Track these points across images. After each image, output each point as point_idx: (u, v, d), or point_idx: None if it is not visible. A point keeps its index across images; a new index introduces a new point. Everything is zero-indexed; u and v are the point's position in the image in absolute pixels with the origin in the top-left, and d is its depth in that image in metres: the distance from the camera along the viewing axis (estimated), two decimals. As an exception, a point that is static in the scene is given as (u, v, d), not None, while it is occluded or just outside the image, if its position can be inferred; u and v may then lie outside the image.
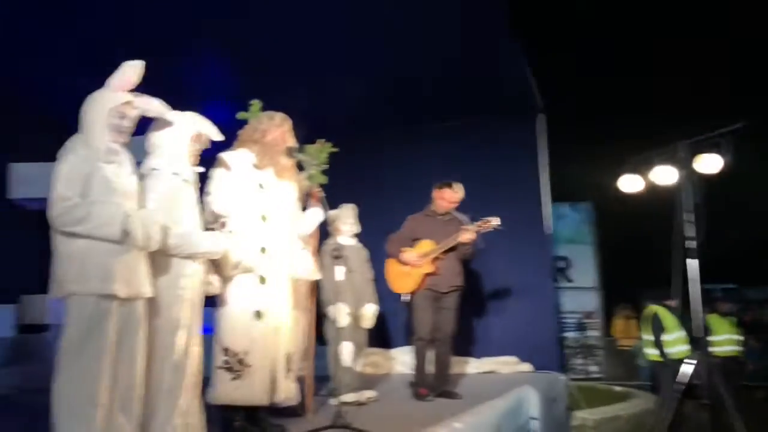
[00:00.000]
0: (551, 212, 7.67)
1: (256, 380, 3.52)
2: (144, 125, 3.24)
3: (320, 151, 4.49)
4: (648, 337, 7.25)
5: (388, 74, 6.57)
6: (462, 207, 5.41)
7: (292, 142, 3.91)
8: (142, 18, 5.40)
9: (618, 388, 9.45)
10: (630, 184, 8.54)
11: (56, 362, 2.66)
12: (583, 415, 6.96)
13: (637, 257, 11.88)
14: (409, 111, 7.50)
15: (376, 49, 6.11)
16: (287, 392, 3.81)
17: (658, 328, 7.07)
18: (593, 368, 11.92)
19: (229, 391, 3.49)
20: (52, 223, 2.69)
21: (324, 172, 4.26)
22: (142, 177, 3.11)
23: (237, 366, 3.49)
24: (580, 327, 12.49)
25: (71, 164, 2.73)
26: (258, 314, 3.56)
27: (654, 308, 7.21)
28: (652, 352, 7.19)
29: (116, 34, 5.50)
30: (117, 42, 5.29)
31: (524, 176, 7.50)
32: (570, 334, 12.34)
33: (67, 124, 2.92)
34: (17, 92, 6.34)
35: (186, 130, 3.28)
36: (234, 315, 3.55)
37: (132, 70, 2.89)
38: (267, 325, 3.59)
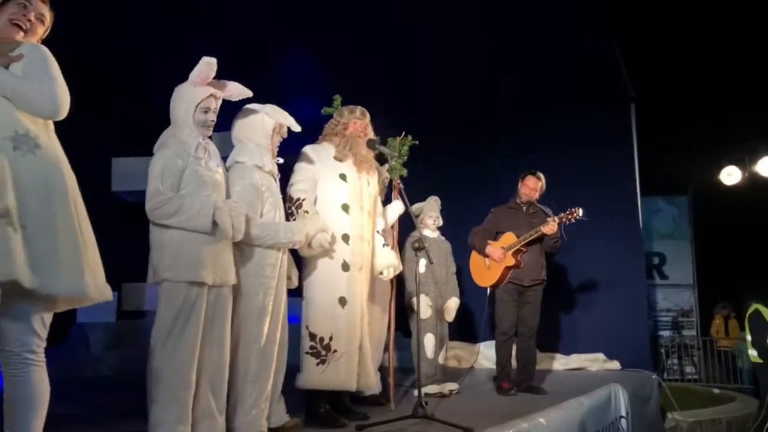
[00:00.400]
0: (641, 205, 7.37)
1: (341, 365, 3.60)
2: (228, 120, 3.36)
3: (402, 144, 4.51)
4: (750, 337, 6.85)
5: (478, 66, 6.51)
6: (552, 200, 5.29)
7: (372, 134, 3.96)
8: (237, 18, 5.60)
9: (716, 391, 9.01)
10: (731, 176, 8.09)
11: (151, 344, 2.81)
12: (677, 417, 6.68)
13: (737, 253, 11.19)
14: (498, 103, 7.39)
15: (463, 40, 6.07)
16: (371, 381, 3.89)
17: (762, 328, 6.66)
18: (689, 369, 11.40)
19: (316, 375, 3.57)
20: (148, 215, 2.85)
21: (405, 165, 4.26)
22: (227, 170, 3.23)
23: (323, 351, 3.58)
24: (676, 326, 11.97)
25: (164, 159, 2.88)
26: (342, 301, 3.64)
27: (756, 307, 6.79)
28: (754, 353, 6.80)
29: (211, 33, 5.73)
30: (212, 40, 5.53)
31: (615, 168, 7.25)
32: (665, 333, 11.86)
33: (165, 119, 3.07)
34: (119, 91, 6.69)
35: (267, 122, 3.37)
36: (319, 301, 3.64)
37: (208, 66, 2.98)
38: (351, 312, 3.66)
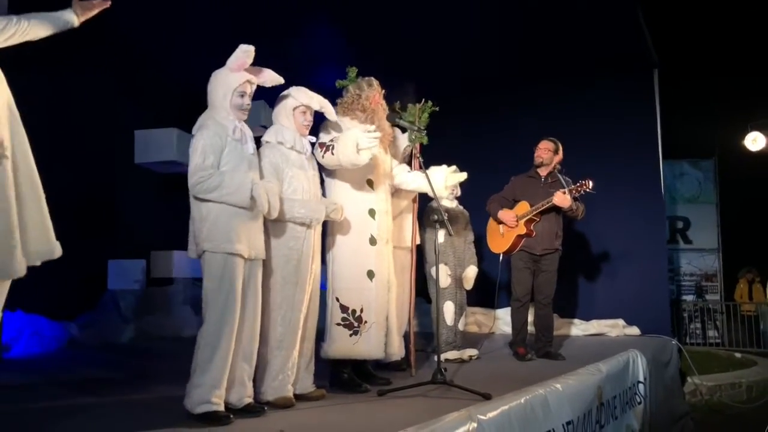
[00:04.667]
0: (665, 169, 7.31)
1: (372, 335, 3.75)
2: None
3: (422, 110, 4.52)
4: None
5: (497, 32, 6.43)
6: (575, 166, 5.28)
7: (384, 104, 3.98)
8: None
9: (738, 355, 9.03)
10: (756, 142, 7.96)
11: (203, 311, 2.98)
12: (697, 381, 6.74)
13: (762, 218, 11.07)
14: (518, 70, 7.33)
15: (481, 6, 5.99)
16: (395, 349, 4.04)
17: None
18: (712, 333, 11.39)
19: (349, 346, 3.72)
20: (190, 190, 3.00)
21: (426, 133, 4.25)
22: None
23: (355, 323, 3.72)
24: (699, 290, 11.93)
25: (206, 138, 3.01)
26: (370, 274, 3.77)
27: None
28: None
29: (229, 14, 5.74)
30: (230, 21, 5.55)
31: (637, 134, 7.19)
32: (688, 298, 11.83)
33: (185, 91, 3.14)
34: (140, 64, 6.72)
35: (288, 103, 3.51)
36: (348, 274, 3.77)
37: (246, 54, 3.10)
38: (379, 284, 3.80)
